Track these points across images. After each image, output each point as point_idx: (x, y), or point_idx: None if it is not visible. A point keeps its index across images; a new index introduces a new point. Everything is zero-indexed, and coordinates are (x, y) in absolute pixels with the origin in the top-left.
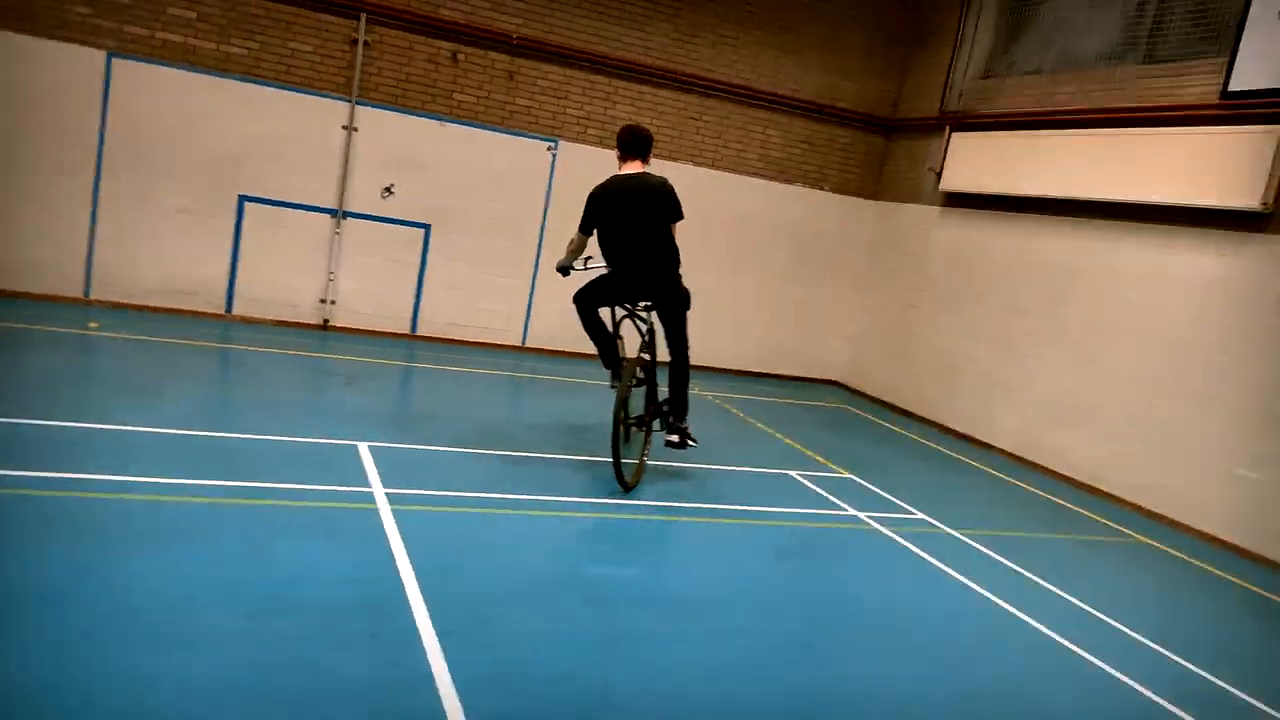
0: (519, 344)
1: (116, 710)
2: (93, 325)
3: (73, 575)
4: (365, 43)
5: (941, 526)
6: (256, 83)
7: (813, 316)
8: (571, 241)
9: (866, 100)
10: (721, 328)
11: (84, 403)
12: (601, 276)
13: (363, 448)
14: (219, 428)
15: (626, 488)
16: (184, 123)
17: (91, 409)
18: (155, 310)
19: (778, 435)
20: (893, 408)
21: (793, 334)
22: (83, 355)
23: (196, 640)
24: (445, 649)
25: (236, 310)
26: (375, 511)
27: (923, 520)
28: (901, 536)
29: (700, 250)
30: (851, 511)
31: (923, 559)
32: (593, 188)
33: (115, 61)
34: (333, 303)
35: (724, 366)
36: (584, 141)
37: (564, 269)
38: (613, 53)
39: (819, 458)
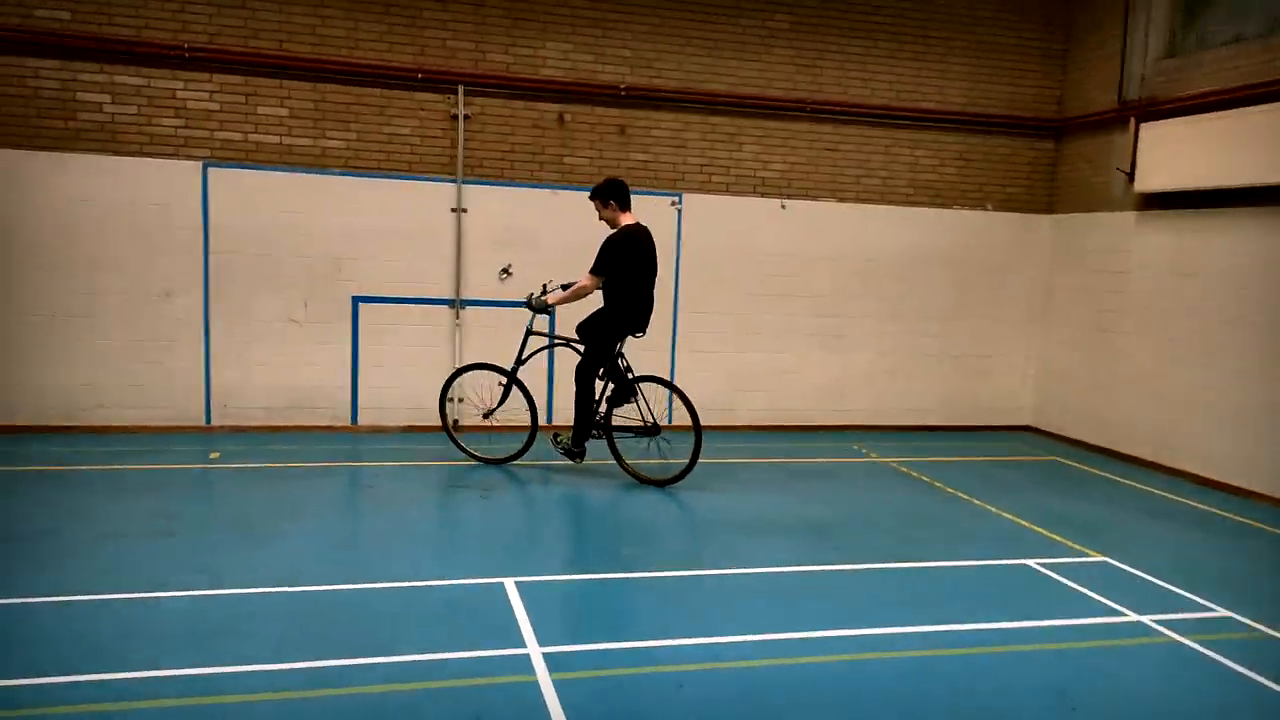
0: (665, 422)
1: None
2: (213, 456)
3: None
4: (465, 116)
5: (1261, 628)
6: (357, 175)
7: (989, 355)
8: (581, 284)
9: (1025, 102)
10: (883, 379)
11: (182, 563)
12: (614, 328)
13: (510, 585)
14: (337, 578)
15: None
16: (288, 224)
17: (189, 572)
18: (279, 430)
19: (989, 507)
20: (1108, 453)
21: (968, 377)
22: (193, 497)
23: None
24: None
25: (362, 420)
26: (535, 686)
27: (1232, 620)
28: (1217, 651)
29: (853, 296)
30: (1131, 615)
31: (1265, 687)
32: (613, 237)
33: (211, 170)
34: (461, 401)
35: (891, 424)
36: (709, 191)
37: (550, 309)
38: (731, 90)
39: (1054, 535)
